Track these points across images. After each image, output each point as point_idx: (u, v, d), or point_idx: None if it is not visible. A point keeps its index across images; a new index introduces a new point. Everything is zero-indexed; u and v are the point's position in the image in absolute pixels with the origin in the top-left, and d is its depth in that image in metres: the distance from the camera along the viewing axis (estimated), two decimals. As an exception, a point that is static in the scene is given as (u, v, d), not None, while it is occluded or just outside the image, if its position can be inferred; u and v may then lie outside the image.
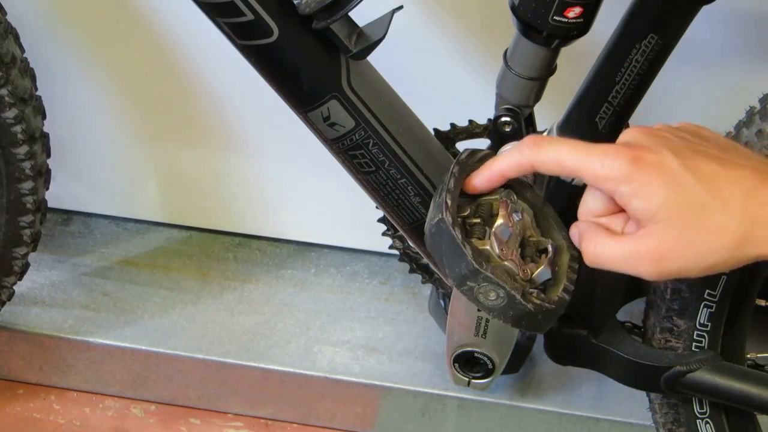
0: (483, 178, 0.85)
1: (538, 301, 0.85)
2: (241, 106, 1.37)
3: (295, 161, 1.40)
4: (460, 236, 0.84)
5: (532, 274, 0.87)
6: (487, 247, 0.86)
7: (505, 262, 0.86)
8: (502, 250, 0.86)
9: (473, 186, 0.86)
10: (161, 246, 1.50)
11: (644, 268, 0.75)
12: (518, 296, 0.84)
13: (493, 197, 0.89)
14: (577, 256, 0.88)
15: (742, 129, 0.98)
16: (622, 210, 0.79)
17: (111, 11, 1.32)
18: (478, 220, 0.88)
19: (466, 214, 0.89)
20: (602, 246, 0.78)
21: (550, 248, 0.89)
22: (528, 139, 0.81)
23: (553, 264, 0.88)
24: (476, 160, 0.90)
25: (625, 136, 0.79)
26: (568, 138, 0.80)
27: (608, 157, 0.75)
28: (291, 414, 1.39)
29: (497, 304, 0.84)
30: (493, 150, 1.05)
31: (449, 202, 0.85)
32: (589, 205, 0.81)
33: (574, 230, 0.83)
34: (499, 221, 0.87)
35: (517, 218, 0.88)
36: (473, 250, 0.84)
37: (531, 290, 0.86)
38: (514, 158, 0.82)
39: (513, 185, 0.91)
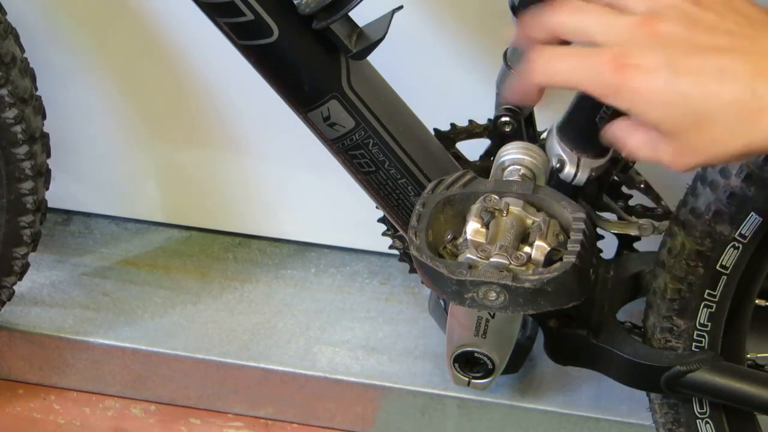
0: (510, 93, 0.81)
1: (534, 276, 0.85)
2: (241, 106, 1.37)
3: (295, 161, 1.40)
4: (429, 259, 0.85)
5: (529, 257, 0.87)
6: (468, 255, 0.87)
7: (491, 260, 0.86)
8: (482, 251, 0.87)
9: (509, 95, 0.82)
10: (161, 246, 1.50)
11: (670, 165, 0.73)
12: (509, 282, 0.84)
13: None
14: (576, 217, 0.88)
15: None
16: None
17: (111, 11, 1.32)
18: (461, 238, 0.89)
19: (448, 237, 0.90)
20: (631, 142, 0.74)
21: (536, 223, 0.89)
22: (532, 52, 0.75)
23: (547, 236, 0.88)
24: (446, 186, 0.91)
25: (621, 22, 0.71)
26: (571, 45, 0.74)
27: (598, 71, 0.70)
28: (291, 414, 1.39)
29: (503, 301, 0.85)
30: (494, 149, 1.05)
31: (413, 238, 0.87)
32: None
33: (609, 128, 0.77)
34: (468, 227, 0.88)
35: (487, 217, 0.89)
36: (450, 264, 0.85)
37: (524, 269, 0.86)
38: (526, 77, 0.75)
39: (494, 188, 0.91)
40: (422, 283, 0.91)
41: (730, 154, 0.69)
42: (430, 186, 0.91)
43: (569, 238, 0.87)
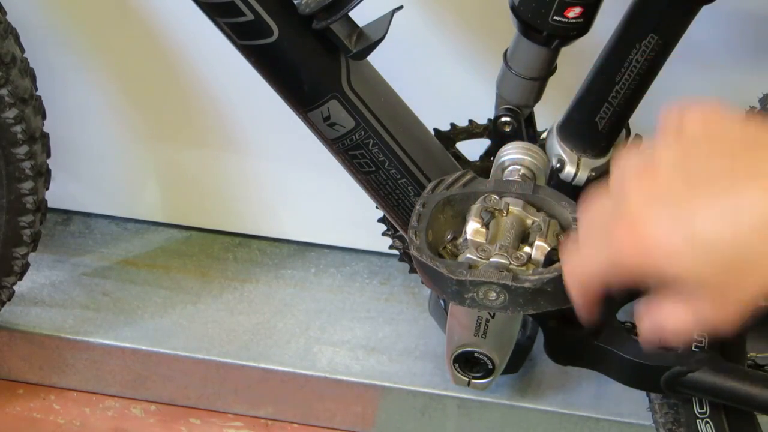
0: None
1: (534, 276, 0.85)
2: (242, 105, 1.37)
3: (295, 161, 1.40)
4: (429, 259, 0.85)
5: (529, 257, 0.87)
6: (468, 255, 0.87)
7: (492, 260, 0.86)
8: (482, 251, 0.87)
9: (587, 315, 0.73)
10: (161, 246, 1.50)
11: (715, 327, 0.63)
12: (509, 282, 0.84)
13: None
14: (576, 217, 0.88)
15: (742, 129, 0.98)
16: None
17: (111, 11, 1.32)
18: (461, 238, 0.89)
19: (448, 238, 0.90)
20: (674, 324, 0.66)
21: (536, 223, 0.89)
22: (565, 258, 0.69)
23: (547, 236, 0.88)
24: (446, 186, 0.91)
25: (613, 188, 0.65)
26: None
27: (617, 254, 0.63)
28: (291, 414, 1.39)
29: (503, 301, 0.85)
30: (494, 149, 1.05)
31: (413, 238, 0.87)
32: None
33: (644, 325, 0.69)
34: (467, 227, 0.88)
35: (487, 217, 0.89)
36: (449, 264, 0.85)
37: (524, 269, 0.86)
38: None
39: (494, 188, 0.91)
40: (422, 283, 0.91)
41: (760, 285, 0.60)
42: (430, 186, 0.92)
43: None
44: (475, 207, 0.89)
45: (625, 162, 0.65)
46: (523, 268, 0.86)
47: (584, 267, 0.67)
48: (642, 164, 0.64)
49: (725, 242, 0.60)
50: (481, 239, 0.88)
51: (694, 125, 0.65)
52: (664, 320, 0.66)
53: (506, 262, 0.86)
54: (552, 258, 0.87)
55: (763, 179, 0.60)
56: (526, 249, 0.88)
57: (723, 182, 0.61)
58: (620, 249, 0.63)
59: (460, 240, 0.90)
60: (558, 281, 0.84)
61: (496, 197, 0.90)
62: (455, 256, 0.89)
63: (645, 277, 0.63)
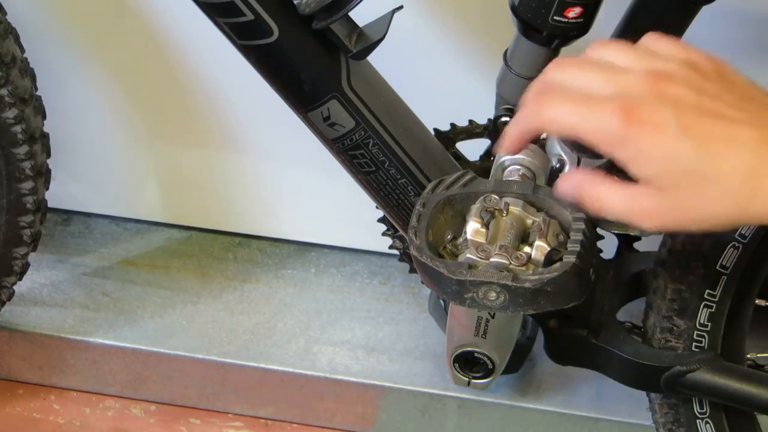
0: (503, 143, 0.78)
1: (534, 277, 0.85)
2: (241, 105, 1.37)
3: (295, 161, 1.40)
4: (429, 259, 0.85)
5: (529, 257, 0.87)
6: (468, 255, 0.87)
7: (492, 260, 0.86)
8: (482, 251, 0.87)
9: (499, 149, 0.80)
10: (161, 246, 1.50)
11: (642, 223, 0.72)
12: (509, 282, 0.84)
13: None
14: (576, 217, 0.88)
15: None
16: None
17: (111, 11, 1.32)
18: (461, 238, 0.89)
19: (448, 237, 0.90)
20: (604, 197, 0.73)
21: (536, 223, 0.89)
22: (530, 98, 0.75)
23: (548, 235, 0.88)
24: (446, 186, 0.91)
25: (629, 77, 0.72)
26: (573, 93, 0.73)
27: (604, 121, 0.69)
28: (291, 414, 1.39)
29: (503, 301, 0.85)
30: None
31: (413, 238, 0.87)
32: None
33: (569, 182, 0.76)
34: (467, 227, 0.88)
35: (487, 217, 0.89)
36: (449, 264, 0.85)
37: (524, 269, 0.86)
38: (522, 122, 0.75)
39: (494, 188, 0.91)
40: (422, 283, 0.91)
41: (722, 217, 0.69)
42: (430, 186, 0.91)
43: (569, 238, 0.87)
44: (475, 207, 0.89)
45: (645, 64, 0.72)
46: (523, 268, 0.86)
47: (559, 109, 0.72)
48: (657, 77, 0.70)
49: (705, 160, 0.68)
50: (481, 239, 0.88)
51: (707, 64, 0.72)
52: (603, 192, 0.73)
53: (506, 262, 0.86)
54: (552, 258, 0.87)
55: (761, 128, 0.68)
56: (526, 249, 0.88)
57: (726, 117, 0.69)
58: (610, 116, 0.69)
59: (460, 240, 0.90)
60: (558, 281, 0.84)
61: (496, 197, 0.90)
62: (455, 256, 0.89)
63: (617, 153, 0.69)
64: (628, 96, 0.70)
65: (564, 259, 0.85)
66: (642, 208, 0.71)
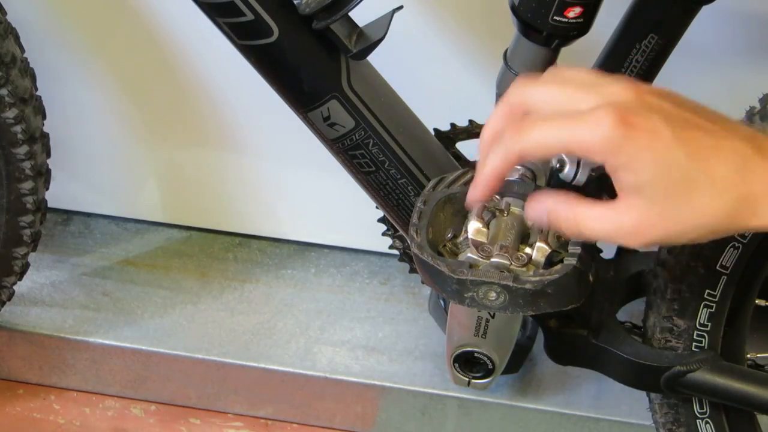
0: (479, 190, 0.76)
1: (535, 278, 0.85)
2: (241, 106, 1.37)
3: (295, 161, 1.40)
4: (430, 258, 0.85)
5: (530, 258, 0.87)
6: (468, 255, 0.87)
7: (492, 260, 0.86)
8: (483, 250, 0.87)
9: (475, 200, 0.77)
10: (161, 246, 1.50)
11: (628, 240, 0.71)
12: (510, 282, 0.84)
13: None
14: None
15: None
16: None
17: (111, 11, 1.32)
18: (462, 237, 0.89)
19: (448, 236, 0.90)
20: (584, 219, 0.72)
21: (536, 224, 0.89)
22: (509, 128, 0.72)
23: (548, 237, 0.88)
24: (447, 184, 0.91)
25: (612, 88, 0.71)
26: (552, 111, 0.71)
27: (598, 127, 0.68)
28: (291, 414, 1.39)
29: (503, 301, 0.85)
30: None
31: (414, 235, 0.87)
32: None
33: (539, 206, 0.75)
34: (469, 226, 0.88)
35: (488, 217, 0.89)
36: (451, 263, 0.85)
37: (525, 270, 0.86)
38: (501, 154, 0.73)
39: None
40: (422, 281, 0.91)
41: (709, 226, 0.70)
42: (431, 184, 0.92)
43: (570, 239, 0.87)
44: (477, 206, 0.89)
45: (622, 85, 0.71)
46: (524, 269, 0.86)
47: (546, 129, 0.70)
48: (638, 91, 0.71)
49: (696, 168, 0.68)
50: (483, 239, 0.88)
51: (669, 92, 0.73)
52: (585, 213, 0.72)
53: (507, 262, 0.86)
54: (552, 260, 0.87)
55: (743, 140, 0.69)
56: (527, 250, 0.88)
57: (708, 129, 0.70)
58: (603, 121, 0.68)
59: (460, 239, 0.90)
60: (559, 284, 0.84)
61: (497, 197, 0.90)
62: (455, 254, 0.89)
63: (610, 159, 0.69)
64: (618, 102, 0.69)
65: (565, 262, 0.86)
66: (628, 224, 0.70)
